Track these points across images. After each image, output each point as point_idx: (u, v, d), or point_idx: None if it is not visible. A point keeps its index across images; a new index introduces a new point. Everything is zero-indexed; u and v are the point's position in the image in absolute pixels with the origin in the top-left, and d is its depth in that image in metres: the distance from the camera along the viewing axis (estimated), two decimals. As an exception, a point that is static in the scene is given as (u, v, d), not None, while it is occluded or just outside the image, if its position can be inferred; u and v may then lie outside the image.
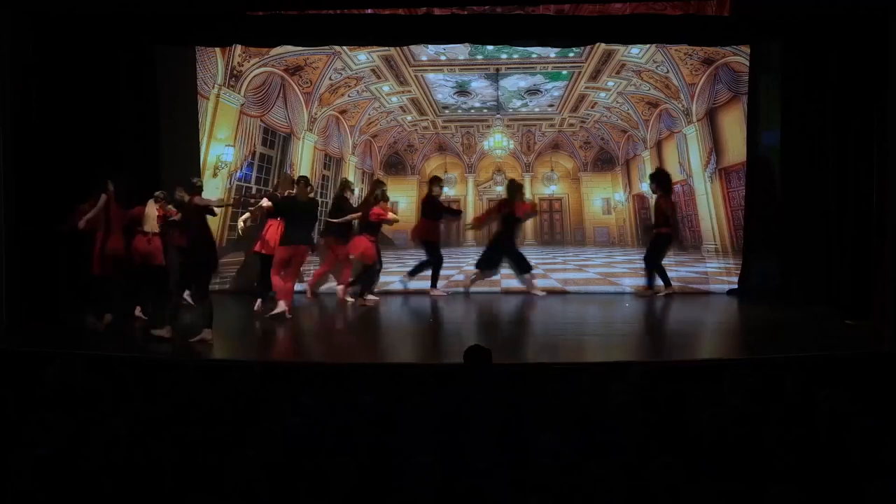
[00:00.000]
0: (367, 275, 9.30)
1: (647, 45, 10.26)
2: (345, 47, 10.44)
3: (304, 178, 8.57)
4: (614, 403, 4.24)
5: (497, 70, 10.96)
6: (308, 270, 9.76)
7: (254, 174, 10.81)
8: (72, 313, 7.96)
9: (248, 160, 10.78)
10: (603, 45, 10.29)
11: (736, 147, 10.20)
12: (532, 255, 10.78)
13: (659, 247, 9.59)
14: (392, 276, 10.07)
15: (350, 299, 9.28)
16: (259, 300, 8.70)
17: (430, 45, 10.43)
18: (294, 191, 8.37)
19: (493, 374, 4.91)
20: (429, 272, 9.85)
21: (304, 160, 11.06)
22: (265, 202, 8.48)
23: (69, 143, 8.22)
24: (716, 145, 10.60)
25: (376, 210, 9.17)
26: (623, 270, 9.98)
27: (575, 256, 10.31)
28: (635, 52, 10.52)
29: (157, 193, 8.16)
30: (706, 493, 3.12)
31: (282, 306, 8.12)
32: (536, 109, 11.54)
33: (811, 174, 8.67)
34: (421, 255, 9.99)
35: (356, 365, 6.25)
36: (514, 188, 9.93)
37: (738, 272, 9.87)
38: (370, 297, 9.24)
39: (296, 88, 10.92)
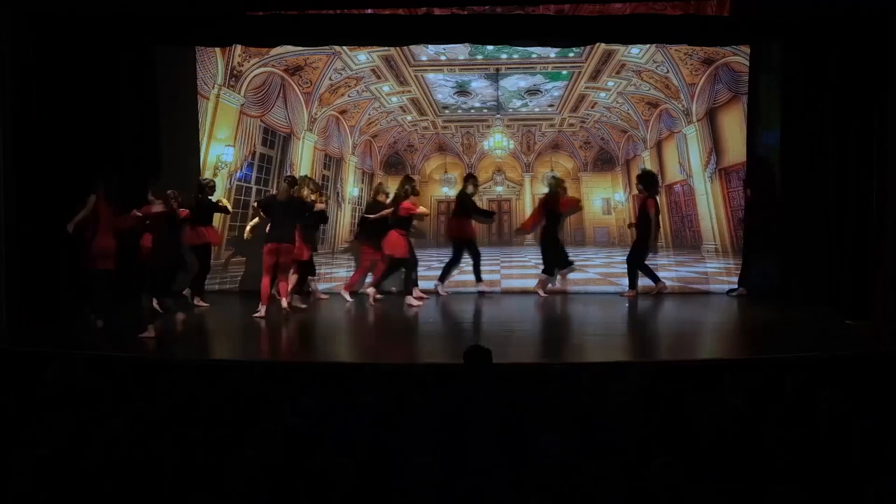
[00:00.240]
0: (405, 272, 9.33)
1: (647, 46, 10.25)
2: (345, 47, 10.43)
3: (289, 177, 8.88)
4: (614, 403, 4.25)
5: (497, 70, 10.94)
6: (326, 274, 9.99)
7: (254, 174, 10.80)
8: (72, 313, 7.96)
9: (248, 160, 10.76)
10: (603, 46, 10.28)
11: (736, 147, 10.19)
12: (532, 255, 10.78)
13: (640, 247, 9.61)
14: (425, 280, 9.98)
15: (373, 303, 9.21)
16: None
17: (430, 45, 10.41)
18: (306, 192, 8.76)
19: (493, 374, 4.92)
20: (454, 273, 9.95)
21: (304, 160, 11.04)
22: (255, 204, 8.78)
23: (69, 143, 8.22)
24: (716, 145, 10.59)
25: (406, 204, 9.21)
26: (623, 271, 10.00)
27: (575, 257, 10.29)
28: (635, 53, 10.52)
29: (168, 192, 8.14)
30: (706, 493, 3.12)
31: (262, 311, 8.23)
32: (536, 109, 11.52)
33: (811, 174, 8.68)
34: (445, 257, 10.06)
35: (356, 365, 6.26)
36: (555, 183, 10.06)
37: (738, 272, 9.88)
38: (414, 299, 9.20)
39: (296, 88, 10.90)
